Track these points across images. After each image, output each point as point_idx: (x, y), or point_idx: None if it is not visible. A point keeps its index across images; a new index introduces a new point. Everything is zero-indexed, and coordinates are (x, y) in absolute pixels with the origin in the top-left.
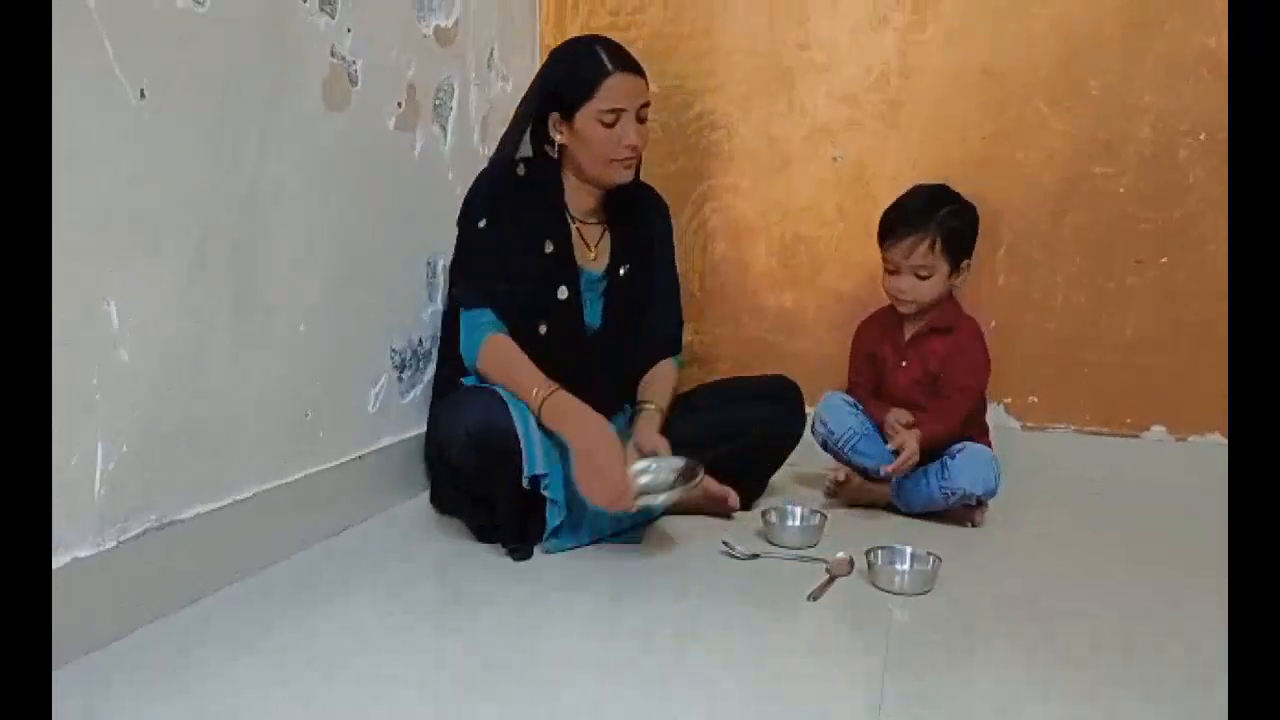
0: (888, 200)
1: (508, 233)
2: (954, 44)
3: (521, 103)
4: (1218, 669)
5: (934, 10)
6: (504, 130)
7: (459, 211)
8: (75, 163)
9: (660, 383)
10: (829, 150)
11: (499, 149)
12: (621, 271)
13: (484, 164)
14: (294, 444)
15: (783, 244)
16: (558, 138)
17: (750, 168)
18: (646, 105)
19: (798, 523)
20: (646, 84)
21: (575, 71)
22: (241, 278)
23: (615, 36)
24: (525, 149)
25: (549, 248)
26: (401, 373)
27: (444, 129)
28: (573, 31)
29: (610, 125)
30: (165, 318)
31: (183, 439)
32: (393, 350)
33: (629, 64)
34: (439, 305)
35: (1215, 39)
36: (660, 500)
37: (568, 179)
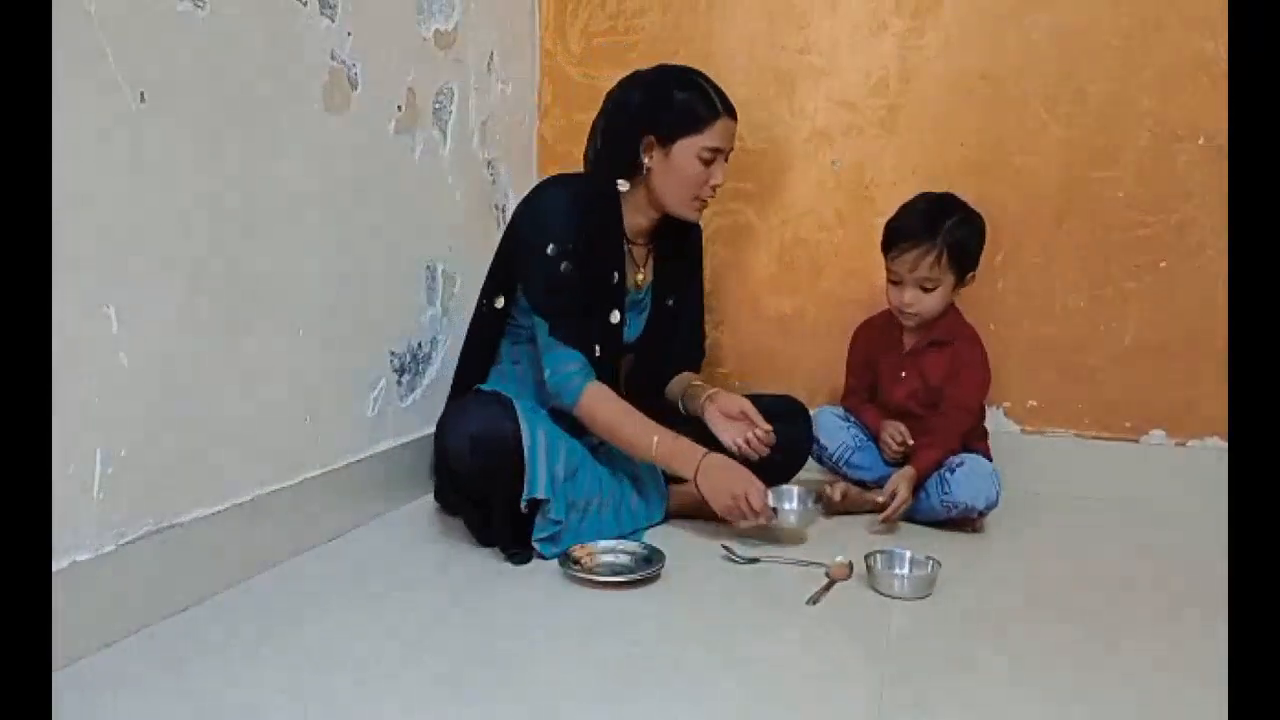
0: (887, 205)
1: (587, 264)
2: (953, 49)
3: (612, 124)
4: (1218, 674)
5: (933, 16)
6: (596, 149)
7: (533, 224)
8: (75, 166)
9: (692, 375)
10: (828, 155)
11: (595, 168)
12: (670, 303)
13: (483, 168)
14: (293, 448)
15: (782, 248)
16: (646, 160)
17: (750, 172)
18: (732, 150)
19: (795, 504)
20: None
21: (687, 102)
22: (241, 281)
23: (615, 41)
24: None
25: (615, 279)
26: (401, 377)
27: (443, 133)
28: (572, 37)
29: (707, 163)
30: (165, 321)
31: (182, 442)
32: (392, 354)
33: (732, 109)
34: (438, 309)
35: (1214, 44)
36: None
37: (630, 201)
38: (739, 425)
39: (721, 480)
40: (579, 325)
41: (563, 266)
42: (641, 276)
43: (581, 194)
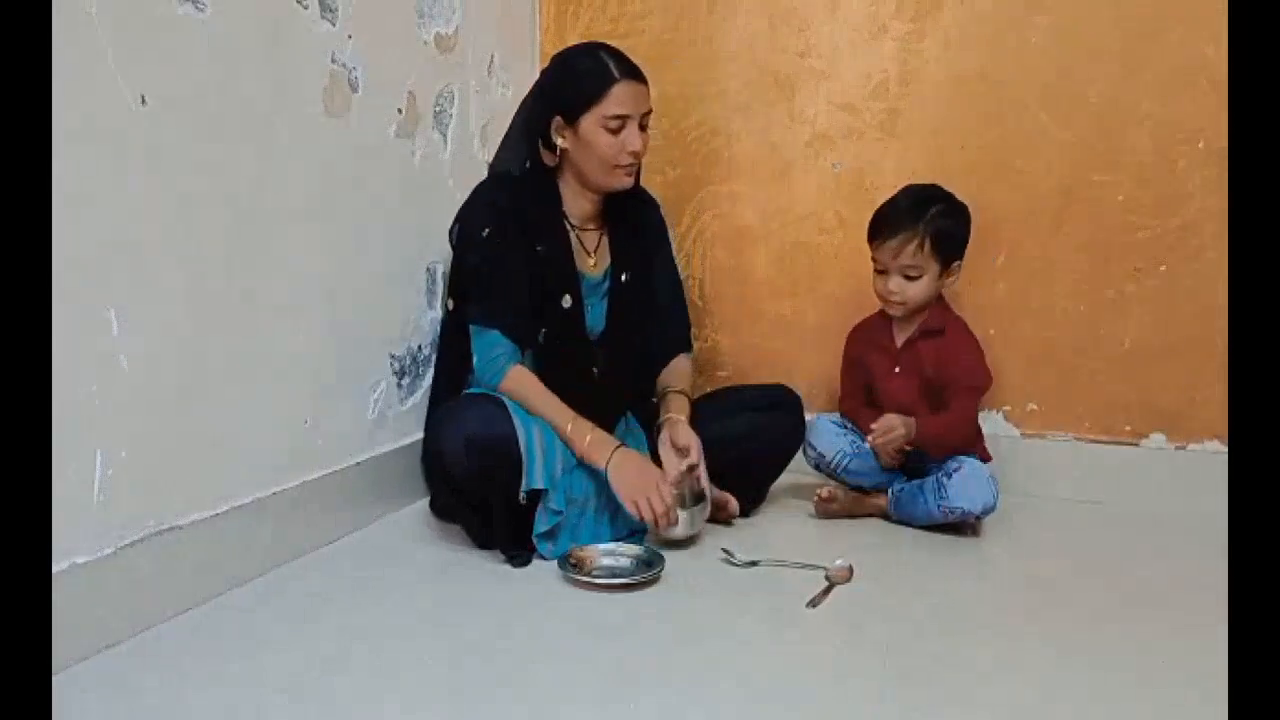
0: None
1: (510, 246)
2: (953, 52)
3: (520, 111)
4: (1218, 676)
5: (933, 19)
6: (502, 140)
7: (457, 223)
8: (75, 167)
9: (680, 373)
10: (829, 158)
11: (498, 160)
12: (624, 278)
13: (484, 171)
14: (293, 450)
15: (782, 251)
16: (559, 142)
17: (750, 175)
18: (649, 113)
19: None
20: (649, 91)
21: (581, 77)
22: (241, 284)
23: (616, 44)
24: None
25: (550, 258)
26: (401, 379)
27: (444, 136)
28: (573, 39)
29: (615, 132)
30: (165, 324)
31: (182, 445)
32: (392, 357)
33: (633, 71)
34: (438, 312)
35: (1214, 48)
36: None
37: (566, 185)
38: (677, 462)
39: (631, 479)
40: (499, 307)
41: (474, 253)
42: (594, 261)
43: (500, 183)
